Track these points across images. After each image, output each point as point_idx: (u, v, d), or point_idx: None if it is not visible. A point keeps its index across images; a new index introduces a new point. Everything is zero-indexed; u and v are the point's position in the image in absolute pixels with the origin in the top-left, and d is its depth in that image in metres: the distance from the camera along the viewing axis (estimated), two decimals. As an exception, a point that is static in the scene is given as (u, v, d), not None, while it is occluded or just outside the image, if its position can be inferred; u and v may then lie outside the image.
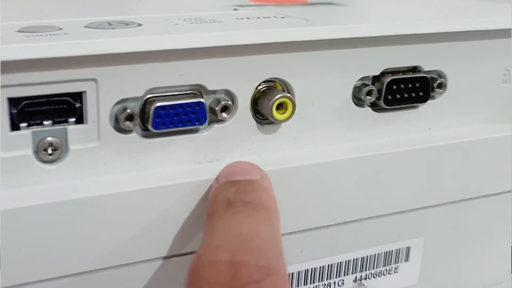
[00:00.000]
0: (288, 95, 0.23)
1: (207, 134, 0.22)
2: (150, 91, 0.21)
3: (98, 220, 0.20)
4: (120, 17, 0.25)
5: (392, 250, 0.27)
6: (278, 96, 0.22)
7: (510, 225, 0.28)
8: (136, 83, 0.21)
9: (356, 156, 0.24)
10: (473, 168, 0.27)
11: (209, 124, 0.22)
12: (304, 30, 0.23)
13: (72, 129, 0.20)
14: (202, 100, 0.22)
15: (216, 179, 0.21)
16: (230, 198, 0.20)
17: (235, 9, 0.29)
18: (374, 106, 0.25)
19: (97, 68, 0.20)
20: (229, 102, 0.22)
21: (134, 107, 0.21)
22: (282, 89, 0.23)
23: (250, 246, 0.18)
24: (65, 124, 0.20)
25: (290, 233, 0.24)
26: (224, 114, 0.22)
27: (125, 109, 0.21)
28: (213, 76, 0.22)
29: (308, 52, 0.23)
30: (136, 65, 0.21)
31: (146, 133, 0.22)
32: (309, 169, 0.23)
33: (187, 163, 0.22)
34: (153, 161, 0.22)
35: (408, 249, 0.27)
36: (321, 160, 0.24)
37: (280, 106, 0.23)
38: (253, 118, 0.23)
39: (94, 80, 0.20)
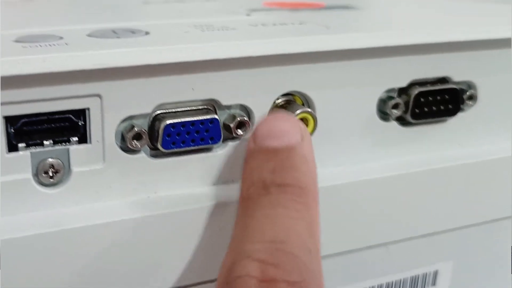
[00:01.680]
0: (309, 110, 0.21)
1: (221, 152, 0.21)
2: (159, 106, 0.20)
3: (103, 249, 0.19)
4: (126, 24, 0.24)
5: (419, 275, 0.25)
6: (298, 112, 0.21)
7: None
8: (144, 99, 0.19)
9: (382, 176, 0.23)
10: (504, 187, 0.25)
11: (223, 142, 0.21)
12: (327, 39, 0.21)
13: (74, 149, 0.19)
14: (216, 116, 0.20)
15: (253, 137, 0.19)
16: (266, 180, 0.18)
17: (248, 15, 0.27)
18: (401, 120, 0.24)
19: (102, 82, 0.18)
20: (245, 118, 0.21)
21: (142, 125, 0.20)
22: (301, 103, 0.22)
23: (284, 255, 0.17)
24: (67, 144, 0.19)
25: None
26: (239, 131, 0.21)
27: (133, 127, 0.19)
28: (227, 90, 0.20)
29: (329, 63, 0.22)
30: (144, 79, 0.19)
31: (155, 153, 0.20)
32: (332, 190, 0.22)
33: (200, 185, 0.21)
34: (163, 184, 0.20)
35: (435, 273, 0.26)
36: (345, 180, 0.22)
37: (302, 120, 0.21)
38: (270, 134, 0.21)
39: (99, 95, 0.19)
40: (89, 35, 0.21)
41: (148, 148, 0.20)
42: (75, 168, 0.19)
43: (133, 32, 0.22)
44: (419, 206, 0.23)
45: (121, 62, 0.18)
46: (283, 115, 0.20)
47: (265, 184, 0.18)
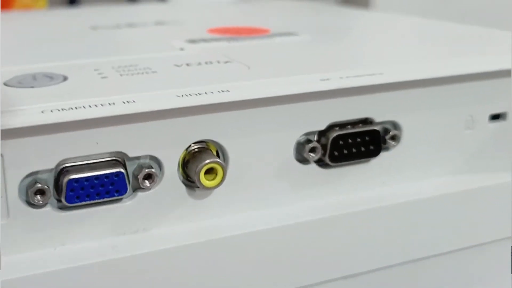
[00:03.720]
0: (218, 160, 0.22)
1: (130, 203, 0.21)
2: (63, 161, 0.20)
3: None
4: (49, 65, 0.24)
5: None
6: (205, 162, 0.21)
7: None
8: (46, 155, 0.20)
9: (301, 220, 0.23)
10: (430, 225, 0.26)
11: (134, 191, 0.22)
12: (238, 88, 0.22)
13: (-23, 205, 0.20)
14: (121, 170, 0.21)
15: None
16: None
17: (182, 49, 0.28)
18: (320, 162, 0.24)
19: (2, 141, 0.19)
20: (153, 170, 0.21)
21: (47, 179, 0.20)
22: (215, 149, 0.22)
23: None
24: (-30, 200, 0.20)
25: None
26: (147, 183, 0.21)
27: (36, 182, 0.20)
28: (134, 142, 0.21)
29: (242, 111, 0.22)
30: (45, 136, 0.20)
31: (62, 205, 0.21)
32: (242, 239, 0.22)
33: (109, 235, 0.21)
34: (70, 235, 0.21)
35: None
36: (257, 227, 0.23)
37: (211, 171, 0.22)
38: (183, 182, 0.22)
39: (0, 154, 0.19)
40: (6, 84, 0.22)
41: (55, 200, 0.21)
42: (-22, 224, 0.20)
43: (51, 78, 0.23)
44: (339, 249, 0.24)
45: (21, 124, 0.19)
46: None
47: None
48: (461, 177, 0.27)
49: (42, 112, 0.19)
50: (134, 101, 0.20)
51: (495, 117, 0.27)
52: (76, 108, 0.20)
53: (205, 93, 0.22)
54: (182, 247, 0.22)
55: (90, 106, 0.20)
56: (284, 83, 0.23)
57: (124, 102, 0.20)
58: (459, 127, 0.26)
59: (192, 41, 0.30)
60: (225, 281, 0.22)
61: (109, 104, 0.20)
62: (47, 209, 0.20)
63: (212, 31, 0.32)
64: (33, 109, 0.20)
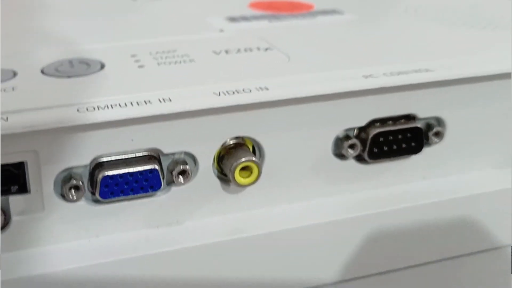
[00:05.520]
0: (253, 159, 0.22)
1: (164, 197, 0.22)
2: (98, 157, 0.21)
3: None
4: (87, 48, 0.24)
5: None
6: (240, 161, 0.22)
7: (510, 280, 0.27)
8: (81, 152, 0.20)
9: (332, 216, 0.23)
10: (471, 222, 0.25)
11: (168, 184, 0.22)
12: (267, 93, 0.21)
13: (14, 198, 0.20)
14: (155, 166, 0.21)
15: None
16: None
17: (221, 30, 0.28)
18: (359, 158, 0.24)
19: (37, 139, 0.19)
20: (187, 167, 0.21)
21: (81, 174, 0.21)
22: (252, 145, 0.22)
23: None
24: (7, 194, 0.20)
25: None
26: (181, 179, 0.21)
27: (70, 178, 0.20)
28: (169, 139, 0.21)
29: (280, 108, 0.22)
30: (81, 134, 0.20)
31: (96, 198, 0.21)
32: (277, 234, 0.23)
33: (143, 227, 0.22)
34: (104, 228, 0.21)
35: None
36: (292, 222, 0.23)
37: (246, 168, 0.22)
38: (218, 177, 0.22)
39: (35, 151, 0.20)
40: (43, 72, 0.22)
41: (90, 193, 0.21)
42: (15, 217, 0.20)
43: (88, 65, 0.23)
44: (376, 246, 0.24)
45: (54, 124, 0.19)
46: None
47: None
48: (506, 172, 0.26)
49: (78, 110, 0.19)
50: (170, 100, 0.20)
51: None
52: (111, 106, 0.20)
53: (243, 90, 0.21)
54: (215, 241, 0.22)
55: (126, 105, 0.20)
56: (324, 80, 0.22)
57: (160, 101, 0.20)
58: (507, 121, 0.26)
59: (232, 19, 0.29)
60: (257, 276, 0.23)
61: (145, 102, 0.20)
62: (82, 203, 0.21)
63: (253, 5, 0.32)
64: (69, 107, 0.20)
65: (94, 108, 0.20)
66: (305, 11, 0.31)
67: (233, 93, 0.21)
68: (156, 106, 0.20)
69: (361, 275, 0.24)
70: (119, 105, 0.20)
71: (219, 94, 0.21)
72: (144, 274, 0.21)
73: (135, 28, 0.29)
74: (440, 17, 0.31)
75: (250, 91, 0.21)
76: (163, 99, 0.21)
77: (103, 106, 0.20)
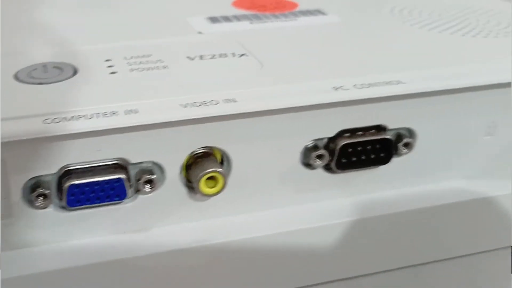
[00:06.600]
0: (218, 170, 0.22)
1: (131, 205, 0.22)
2: (66, 166, 0.21)
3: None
4: (63, 50, 0.25)
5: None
6: (206, 171, 0.22)
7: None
8: (49, 161, 0.21)
9: (298, 225, 0.24)
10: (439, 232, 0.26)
11: (136, 192, 0.22)
12: (234, 105, 0.22)
13: (-18, 205, 0.21)
14: (121, 176, 0.22)
15: None
16: None
17: (200, 32, 0.28)
18: (327, 168, 0.25)
19: (5, 149, 0.20)
20: (153, 176, 0.22)
21: (49, 182, 0.21)
22: (220, 154, 0.23)
23: None
24: (-24, 200, 0.21)
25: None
26: (147, 188, 0.22)
27: (38, 186, 0.21)
28: (137, 149, 0.22)
29: (248, 119, 0.22)
30: (48, 144, 0.20)
31: (64, 205, 0.22)
32: (242, 242, 0.23)
33: (110, 234, 0.23)
34: (72, 234, 0.22)
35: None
36: (258, 230, 0.23)
37: (212, 178, 0.23)
38: (186, 185, 0.23)
39: (2, 160, 0.20)
40: (16, 77, 0.23)
41: (58, 200, 0.22)
42: (-17, 222, 0.21)
43: (61, 70, 0.24)
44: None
45: (22, 136, 0.20)
46: None
47: None
48: (474, 183, 0.27)
49: (44, 121, 0.20)
50: (137, 111, 0.21)
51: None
52: (78, 117, 0.20)
53: (211, 101, 0.22)
54: (181, 248, 0.23)
55: (92, 116, 0.21)
56: (294, 92, 0.23)
57: (126, 112, 0.21)
58: (479, 133, 0.26)
59: (213, 20, 0.30)
60: (221, 284, 0.23)
61: (112, 113, 0.21)
62: (50, 209, 0.22)
63: (237, 3, 0.32)
64: (37, 117, 0.20)
65: (61, 120, 0.20)
66: (289, 10, 0.31)
67: (200, 104, 0.22)
68: (122, 118, 0.21)
69: (326, 281, 0.25)
70: (86, 116, 0.21)
71: (186, 106, 0.21)
72: (110, 280, 0.22)
73: (115, 28, 0.29)
74: (425, 21, 0.31)
75: (218, 103, 0.22)
76: (130, 111, 0.21)
77: (69, 118, 0.20)
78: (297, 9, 0.31)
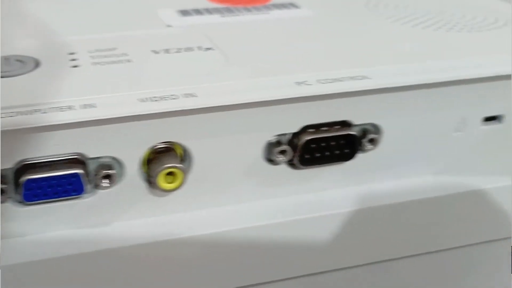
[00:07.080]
0: (177, 165, 0.22)
1: (90, 199, 0.22)
2: (23, 160, 0.21)
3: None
4: (27, 42, 0.25)
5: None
6: (164, 166, 0.22)
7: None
8: (5, 155, 0.21)
9: (259, 221, 0.24)
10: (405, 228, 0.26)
11: (95, 187, 0.22)
12: (194, 100, 0.22)
13: None
14: (78, 171, 0.22)
15: None
16: None
17: (169, 25, 0.28)
18: (290, 163, 0.25)
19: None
20: (111, 171, 0.22)
21: (7, 176, 0.21)
22: (181, 149, 0.23)
23: None
24: None
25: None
26: (106, 183, 0.22)
27: (-6, 181, 0.21)
28: (95, 144, 0.22)
29: (208, 114, 0.22)
30: (5, 137, 0.21)
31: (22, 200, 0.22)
32: (201, 237, 0.23)
33: (69, 228, 0.23)
34: (30, 228, 0.22)
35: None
36: (219, 225, 0.23)
37: (172, 173, 0.23)
38: (146, 180, 0.23)
39: (-43, 154, 0.20)
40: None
41: (16, 195, 0.22)
42: None
43: (23, 63, 0.24)
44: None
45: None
46: None
47: None
48: (442, 180, 0.27)
49: (1, 115, 0.20)
50: (94, 106, 0.21)
51: (489, 119, 0.27)
52: (35, 111, 0.20)
53: (170, 96, 0.22)
54: (141, 243, 0.23)
55: (48, 110, 0.21)
56: (256, 87, 0.23)
57: (84, 107, 0.21)
58: (448, 129, 0.26)
59: (184, 13, 0.29)
60: (181, 278, 0.24)
61: (68, 107, 0.21)
62: (8, 204, 0.22)
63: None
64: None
65: (17, 114, 0.20)
66: (262, 3, 0.31)
67: (160, 99, 0.22)
68: (79, 112, 0.21)
69: (290, 276, 0.25)
70: (42, 110, 0.21)
71: (144, 101, 0.21)
72: (69, 274, 0.22)
73: (83, 21, 0.29)
74: (400, 16, 0.31)
75: (177, 97, 0.22)
76: (88, 105, 0.21)
77: (26, 112, 0.20)
78: (271, 2, 0.31)
